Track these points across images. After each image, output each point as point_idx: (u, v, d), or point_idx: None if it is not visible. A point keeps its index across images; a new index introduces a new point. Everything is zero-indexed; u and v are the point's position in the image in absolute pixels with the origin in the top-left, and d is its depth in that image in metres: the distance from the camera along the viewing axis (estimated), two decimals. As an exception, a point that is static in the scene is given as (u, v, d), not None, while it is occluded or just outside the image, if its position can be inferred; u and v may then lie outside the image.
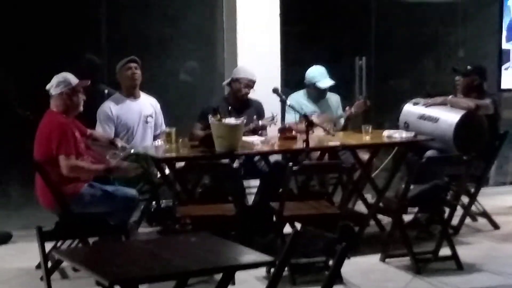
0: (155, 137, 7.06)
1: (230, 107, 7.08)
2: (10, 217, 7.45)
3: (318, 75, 7.53)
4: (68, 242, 5.96)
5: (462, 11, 9.27)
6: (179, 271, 3.84)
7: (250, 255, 4.05)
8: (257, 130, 7.09)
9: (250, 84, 7.15)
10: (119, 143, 6.53)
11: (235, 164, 6.46)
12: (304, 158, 6.73)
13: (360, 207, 7.39)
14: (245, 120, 6.62)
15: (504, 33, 7.81)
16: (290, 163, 6.16)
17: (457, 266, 6.17)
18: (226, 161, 6.50)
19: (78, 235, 5.14)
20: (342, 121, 7.55)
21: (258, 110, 7.28)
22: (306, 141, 6.36)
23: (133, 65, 6.90)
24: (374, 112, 8.10)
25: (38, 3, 7.60)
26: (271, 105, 7.26)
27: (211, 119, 6.42)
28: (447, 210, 6.57)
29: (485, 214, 7.46)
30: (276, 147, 6.90)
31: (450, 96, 7.30)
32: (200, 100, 7.79)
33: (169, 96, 7.74)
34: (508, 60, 7.86)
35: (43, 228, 4.49)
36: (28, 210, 7.41)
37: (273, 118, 7.12)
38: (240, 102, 7.19)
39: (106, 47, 7.88)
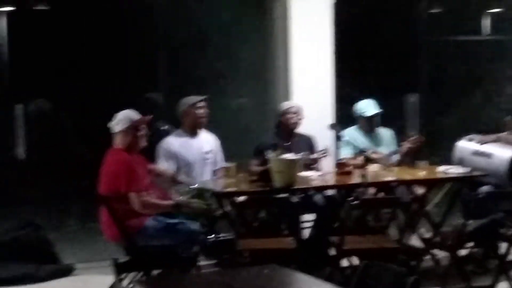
0: (214, 173, 7.20)
1: (287, 143, 7.22)
2: (71, 250, 7.60)
3: (365, 105, 7.68)
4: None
5: (509, 48, 9.36)
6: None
7: (324, 287, 4.16)
8: (310, 164, 7.20)
9: (297, 111, 7.35)
10: (183, 178, 6.68)
11: (294, 199, 6.59)
12: (360, 193, 6.84)
13: (413, 241, 7.45)
14: (302, 156, 6.77)
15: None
16: (349, 198, 6.28)
17: (515, 300, 6.23)
18: (284, 195, 6.64)
19: (151, 267, 5.28)
20: (396, 157, 7.64)
21: (309, 144, 7.41)
22: (364, 175, 6.48)
23: (203, 104, 7.07)
24: (424, 147, 8.16)
25: (99, 45, 7.79)
26: (324, 140, 7.38)
27: (270, 154, 6.57)
28: (502, 245, 6.65)
29: (539, 249, 7.48)
30: (332, 182, 7.03)
31: (503, 133, 7.38)
32: (255, 136, 7.93)
33: (224, 131, 7.89)
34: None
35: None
36: (89, 243, 7.58)
37: (325, 151, 7.23)
38: (291, 134, 7.32)
39: (164, 85, 8.06)
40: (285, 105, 7.47)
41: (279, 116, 7.41)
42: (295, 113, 7.36)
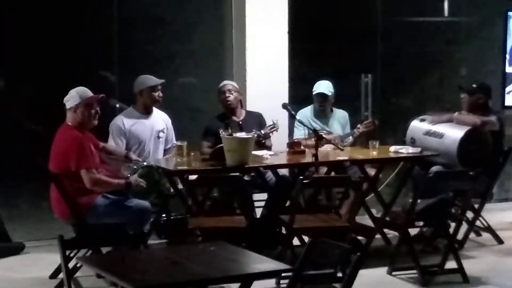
0: (165, 151, 7.20)
1: (234, 121, 7.24)
2: (22, 228, 7.56)
3: (318, 85, 7.72)
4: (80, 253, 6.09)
5: (465, 30, 9.44)
6: (201, 279, 3.97)
7: (269, 264, 4.18)
8: (261, 140, 7.20)
9: (227, 88, 7.35)
10: (133, 157, 6.66)
11: (245, 178, 6.60)
12: (312, 172, 6.87)
13: (366, 221, 7.51)
14: (255, 135, 6.78)
15: (507, 57, 8.07)
16: (301, 177, 6.31)
17: (463, 279, 6.30)
18: (236, 174, 6.65)
19: (98, 244, 5.26)
20: (350, 138, 7.69)
21: (259, 121, 7.41)
22: (316, 155, 6.50)
23: (158, 93, 7.05)
24: (378, 129, 8.21)
25: (53, 21, 7.70)
26: (279, 121, 7.37)
27: (222, 133, 6.58)
28: (452, 224, 6.72)
29: (489, 229, 7.60)
30: (284, 161, 7.06)
31: (456, 113, 7.45)
32: (208, 116, 7.91)
33: (178, 111, 7.87)
34: (510, 82, 8.13)
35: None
36: (40, 222, 7.53)
37: (274, 125, 7.22)
38: (233, 112, 7.33)
39: (117, 63, 8.01)
40: (221, 84, 7.45)
41: (218, 98, 7.42)
42: (229, 90, 7.35)
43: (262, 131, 7.16)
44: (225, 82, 7.53)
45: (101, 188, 6.09)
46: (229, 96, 7.34)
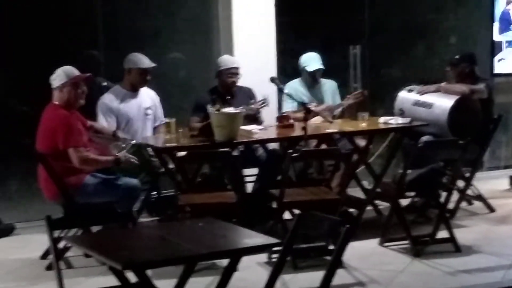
0: (155, 129, 7.16)
1: (226, 97, 7.17)
2: (12, 209, 7.52)
3: (308, 59, 7.65)
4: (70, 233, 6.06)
5: (453, -1, 9.40)
6: (189, 255, 3.94)
7: (257, 238, 4.15)
8: (252, 115, 7.15)
9: (233, 71, 7.24)
10: (121, 135, 6.61)
11: (235, 153, 6.56)
12: (302, 146, 6.84)
13: (357, 193, 7.49)
14: (244, 110, 6.73)
15: (497, 25, 8.03)
16: (290, 150, 6.27)
17: (455, 248, 6.29)
18: (225, 149, 6.60)
19: (86, 223, 5.24)
20: (339, 110, 7.64)
21: (249, 96, 7.35)
22: (305, 128, 6.46)
23: (147, 75, 6.99)
24: (368, 100, 8.17)
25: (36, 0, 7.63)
26: (267, 94, 7.32)
27: (210, 108, 6.53)
28: (443, 194, 6.70)
29: (480, 198, 7.59)
30: (274, 135, 7.02)
31: (443, 83, 7.42)
32: (196, 91, 7.87)
33: (165, 87, 7.81)
34: (500, 50, 8.09)
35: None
36: (29, 203, 7.49)
37: (264, 101, 7.17)
38: (230, 91, 7.27)
39: (102, 41, 7.94)
40: (224, 63, 7.30)
41: (217, 74, 7.31)
42: (231, 74, 7.22)
43: (253, 107, 7.10)
44: (229, 61, 7.31)
45: (90, 166, 6.06)
46: (235, 81, 7.25)
